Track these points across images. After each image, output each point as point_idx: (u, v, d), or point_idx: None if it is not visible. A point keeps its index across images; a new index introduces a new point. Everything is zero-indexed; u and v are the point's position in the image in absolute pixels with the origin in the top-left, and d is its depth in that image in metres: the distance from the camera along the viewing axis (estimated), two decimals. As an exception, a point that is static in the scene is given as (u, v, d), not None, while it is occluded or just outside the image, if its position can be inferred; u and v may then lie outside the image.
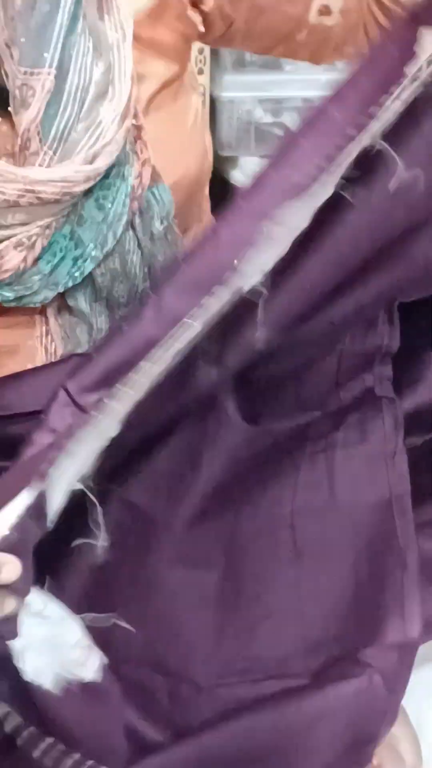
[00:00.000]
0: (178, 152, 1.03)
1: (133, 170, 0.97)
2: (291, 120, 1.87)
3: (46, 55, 0.91)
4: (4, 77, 0.92)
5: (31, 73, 0.91)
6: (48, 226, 0.94)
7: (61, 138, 0.92)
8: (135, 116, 0.96)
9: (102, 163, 0.93)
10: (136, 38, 0.96)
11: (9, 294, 0.96)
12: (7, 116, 0.93)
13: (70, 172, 0.91)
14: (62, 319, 1.00)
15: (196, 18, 1.02)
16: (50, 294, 0.97)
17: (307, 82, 1.86)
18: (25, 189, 0.90)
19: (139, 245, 1.00)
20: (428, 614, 0.88)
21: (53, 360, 1.00)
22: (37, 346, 1.00)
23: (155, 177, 0.99)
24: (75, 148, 0.93)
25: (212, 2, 1.01)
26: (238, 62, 1.86)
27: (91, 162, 0.92)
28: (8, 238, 0.94)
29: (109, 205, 0.97)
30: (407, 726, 0.94)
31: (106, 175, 0.94)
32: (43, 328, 1.00)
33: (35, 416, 0.94)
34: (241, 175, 1.80)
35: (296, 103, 1.87)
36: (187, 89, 1.05)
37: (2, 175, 0.90)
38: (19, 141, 0.92)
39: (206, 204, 1.13)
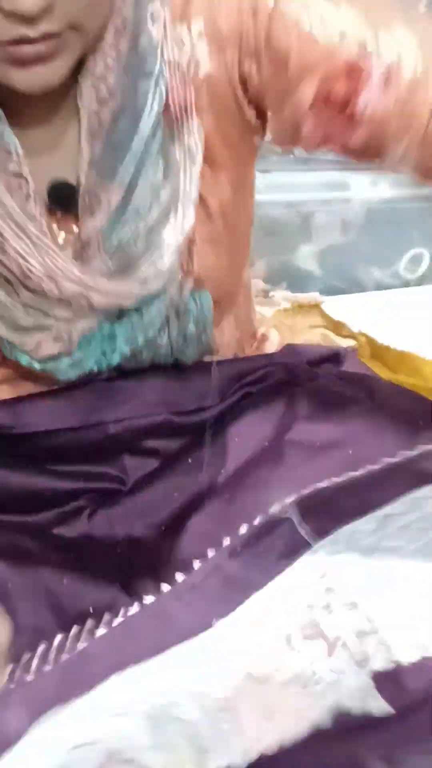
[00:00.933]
0: (227, 256, 1.01)
1: (176, 283, 0.97)
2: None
3: (119, 169, 0.89)
4: (78, 179, 0.91)
5: (101, 184, 0.90)
6: (89, 326, 0.96)
7: (120, 250, 0.92)
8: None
9: (154, 287, 0.94)
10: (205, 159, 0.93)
11: (37, 366, 0.98)
12: (75, 212, 0.93)
13: (125, 289, 0.93)
14: None
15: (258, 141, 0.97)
16: (74, 374, 0.99)
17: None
18: (81, 292, 0.91)
19: (170, 343, 1.01)
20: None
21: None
22: None
23: (198, 285, 0.99)
24: (133, 262, 0.92)
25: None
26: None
27: (145, 283, 0.93)
28: (49, 328, 0.95)
29: (151, 313, 0.97)
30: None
31: None
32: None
33: (57, 433, 1.01)
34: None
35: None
36: (246, 196, 1.03)
37: (65, 273, 0.91)
38: (80, 243, 0.92)
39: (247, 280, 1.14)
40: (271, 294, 1.65)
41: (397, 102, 0.86)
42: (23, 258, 0.90)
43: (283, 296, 1.62)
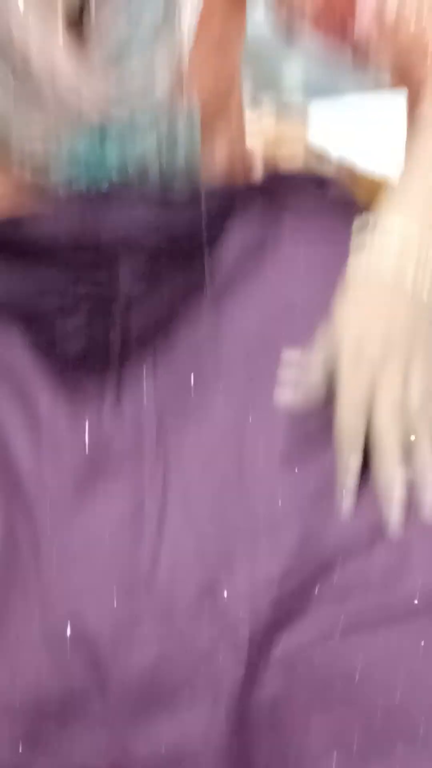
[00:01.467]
0: (217, 58, 1.05)
1: (166, 116, 1.01)
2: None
3: None
4: None
5: None
6: (78, 132, 0.99)
7: (117, 59, 0.97)
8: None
9: (138, 101, 0.99)
10: None
11: (28, 175, 1.02)
12: (77, 26, 0.98)
13: (114, 92, 0.97)
14: None
15: None
16: (62, 184, 1.02)
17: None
18: (74, 76, 0.95)
19: (160, 169, 1.04)
20: None
21: None
22: None
23: (188, 89, 1.01)
24: (128, 74, 0.98)
25: None
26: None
27: (132, 84, 0.98)
28: (38, 129, 0.99)
29: (142, 132, 1.01)
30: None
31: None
32: None
33: (52, 239, 1.03)
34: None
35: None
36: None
37: (64, 54, 0.95)
38: (81, 50, 0.97)
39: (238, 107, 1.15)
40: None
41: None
42: (23, 40, 0.95)
43: (268, 103, 1.63)
